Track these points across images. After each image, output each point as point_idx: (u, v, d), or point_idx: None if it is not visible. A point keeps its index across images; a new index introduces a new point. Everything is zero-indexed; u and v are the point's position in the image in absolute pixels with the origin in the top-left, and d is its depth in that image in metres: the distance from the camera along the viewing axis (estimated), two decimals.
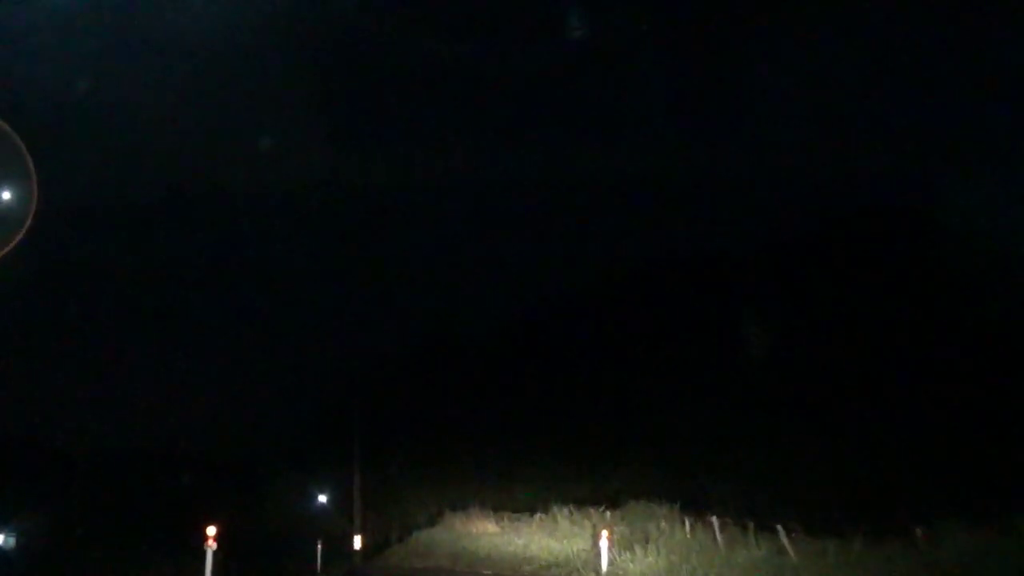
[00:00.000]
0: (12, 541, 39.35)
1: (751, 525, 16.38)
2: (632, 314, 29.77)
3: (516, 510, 27.86)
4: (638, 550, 18.23)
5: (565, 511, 25.12)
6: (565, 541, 23.32)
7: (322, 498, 40.58)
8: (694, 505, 19.33)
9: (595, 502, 24.59)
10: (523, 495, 29.91)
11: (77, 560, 34.02)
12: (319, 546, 24.91)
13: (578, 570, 18.96)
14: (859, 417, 18.12)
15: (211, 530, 15.42)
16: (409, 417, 37.77)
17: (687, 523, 18.28)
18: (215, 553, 15.92)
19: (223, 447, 43.42)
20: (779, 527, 15.45)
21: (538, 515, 26.37)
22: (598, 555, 18.16)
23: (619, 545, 18.79)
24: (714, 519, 17.21)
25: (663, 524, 18.85)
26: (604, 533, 18.00)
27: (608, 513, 23.11)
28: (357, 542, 31.70)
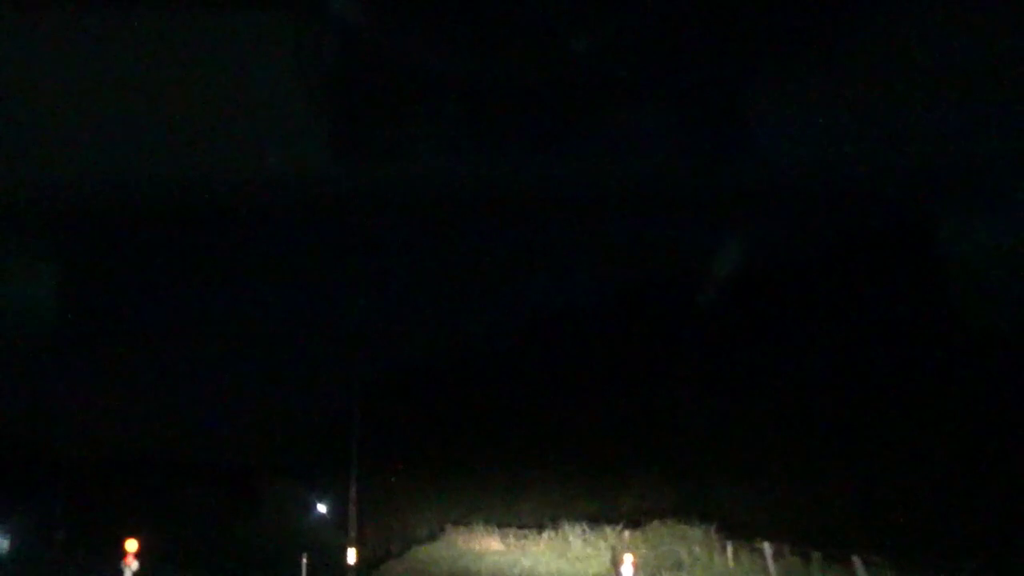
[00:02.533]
0: (5, 544, 36.80)
1: (815, 555, 12.66)
2: (653, 312, 26.25)
3: (523, 526, 24.44)
4: None
5: (578, 529, 21.84)
6: (579, 564, 19.95)
7: (322, 508, 37.77)
8: (736, 527, 15.53)
9: (611, 520, 21.12)
10: (530, 510, 26.42)
11: (55, 565, 30.92)
12: (304, 561, 21.42)
13: None
14: (964, 415, 14.29)
15: (131, 545, 12.03)
16: (411, 423, 34.31)
17: (729, 549, 14.54)
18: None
19: (214, 452, 40.45)
20: (855, 558, 11.73)
21: (547, 533, 23.06)
22: None
23: (644, 572, 15.13)
24: (766, 545, 13.48)
25: (697, 549, 15.15)
26: (628, 557, 14.40)
27: (627, 533, 19.61)
28: (351, 556, 28.26)
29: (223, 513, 36.64)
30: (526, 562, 22.21)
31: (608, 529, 20.74)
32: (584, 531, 21.64)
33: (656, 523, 17.79)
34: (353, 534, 29.04)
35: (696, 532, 15.93)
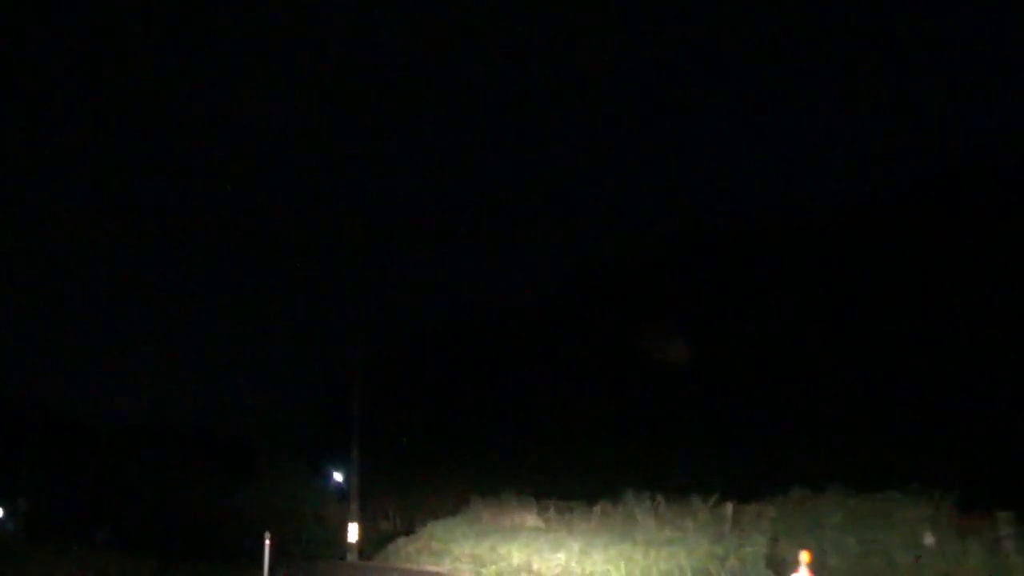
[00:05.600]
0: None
1: None
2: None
3: (567, 497, 17.78)
4: None
5: (646, 501, 14.13)
6: (654, 552, 12.25)
7: (337, 476, 31.15)
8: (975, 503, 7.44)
9: (699, 488, 13.45)
10: (577, 478, 18.85)
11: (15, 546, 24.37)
12: (266, 543, 14.16)
13: None
14: None
15: None
16: (428, 375, 26.91)
17: None
18: None
19: (213, 420, 34.12)
20: None
21: (599, 505, 16.27)
22: None
23: None
24: None
25: (929, 538, 7.20)
26: (803, 556, 6.66)
27: (730, 507, 11.96)
28: (353, 533, 21.35)
29: (224, 483, 29.87)
30: (573, 543, 15.03)
31: (696, 499, 13.12)
32: (656, 504, 14.12)
33: (797, 492, 9.73)
34: (355, 506, 22.14)
35: (919, 510, 7.75)
